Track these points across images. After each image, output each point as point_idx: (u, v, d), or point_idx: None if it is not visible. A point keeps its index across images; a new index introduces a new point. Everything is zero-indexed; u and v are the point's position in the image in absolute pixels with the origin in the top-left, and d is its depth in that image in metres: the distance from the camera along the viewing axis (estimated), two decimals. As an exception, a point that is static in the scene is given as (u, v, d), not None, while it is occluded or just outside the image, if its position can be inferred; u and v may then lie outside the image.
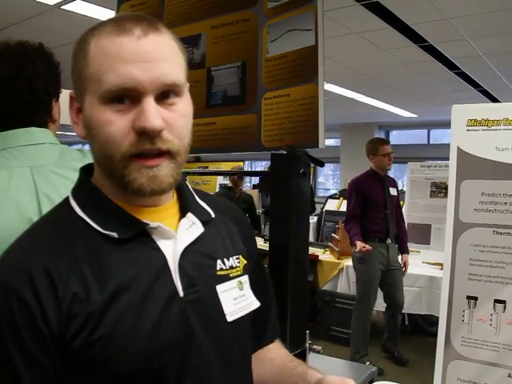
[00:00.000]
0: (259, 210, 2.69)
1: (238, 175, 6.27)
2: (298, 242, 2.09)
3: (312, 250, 5.60)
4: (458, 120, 1.54)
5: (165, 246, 0.84)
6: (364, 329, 4.38)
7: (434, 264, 4.90)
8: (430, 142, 12.65)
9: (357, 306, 4.46)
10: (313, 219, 8.64)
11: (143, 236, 0.83)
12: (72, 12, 4.44)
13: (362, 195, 4.37)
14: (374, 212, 4.33)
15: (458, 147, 1.52)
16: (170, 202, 0.91)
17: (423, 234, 5.26)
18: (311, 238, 8.21)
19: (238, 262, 0.95)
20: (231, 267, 0.93)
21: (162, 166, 0.80)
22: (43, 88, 1.40)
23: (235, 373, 0.91)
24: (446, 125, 10.80)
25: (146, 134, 0.77)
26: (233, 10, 2.29)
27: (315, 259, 5.39)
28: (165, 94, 0.80)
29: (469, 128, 1.51)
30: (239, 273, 0.94)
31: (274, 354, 1.10)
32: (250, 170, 11.97)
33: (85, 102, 0.81)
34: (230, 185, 6.49)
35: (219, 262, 0.91)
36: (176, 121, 0.81)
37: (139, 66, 0.77)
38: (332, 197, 8.63)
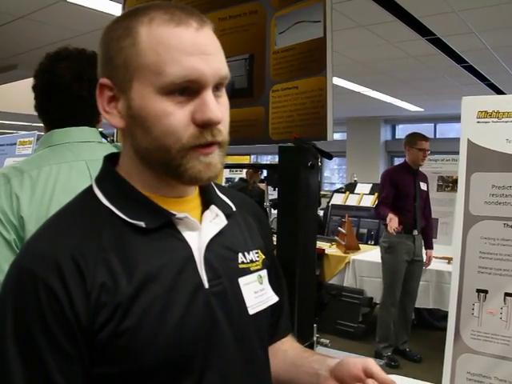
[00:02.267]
0: (266, 203, 2.69)
1: (254, 171, 6.31)
2: (305, 236, 2.09)
3: (318, 244, 5.59)
4: (467, 112, 1.52)
5: (190, 237, 0.85)
6: (388, 318, 4.47)
7: (441, 258, 4.89)
8: (437, 137, 12.60)
9: (383, 295, 4.55)
10: (319, 213, 8.65)
11: (169, 226, 0.83)
12: (78, 5, 4.42)
13: (394, 186, 4.46)
14: (404, 204, 4.42)
15: (468, 139, 1.50)
16: (194, 194, 0.91)
17: (430, 228, 5.24)
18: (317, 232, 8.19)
19: (258, 257, 0.96)
20: (251, 261, 0.93)
21: (214, 153, 0.82)
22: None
23: (256, 366, 0.92)
24: (453, 119, 10.89)
25: (208, 126, 0.79)
26: (240, 2, 2.28)
27: (321, 253, 5.40)
28: (217, 87, 0.81)
29: (479, 120, 1.49)
30: (259, 267, 0.95)
31: (287, 346, 1.11)
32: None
33: (132, 92, 0.79)
34: (245, 178, 6.62)
35: (240, 255, 0.92)
36: (224, 113, 0.83)
37: (201, 58, 0.78)
38: (338, 191, 8.62)
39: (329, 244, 5.85)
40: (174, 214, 0.83)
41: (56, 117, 1.51)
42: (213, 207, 0.91)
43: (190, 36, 0.78)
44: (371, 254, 5.37)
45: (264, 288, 0.95)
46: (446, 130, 12.45)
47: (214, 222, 0.89)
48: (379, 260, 4.65)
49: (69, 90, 1.47)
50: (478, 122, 1.50)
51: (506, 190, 1.44)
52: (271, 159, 13.81)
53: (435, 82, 7.74)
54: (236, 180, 7.87)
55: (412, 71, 7.07)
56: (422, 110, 10.94)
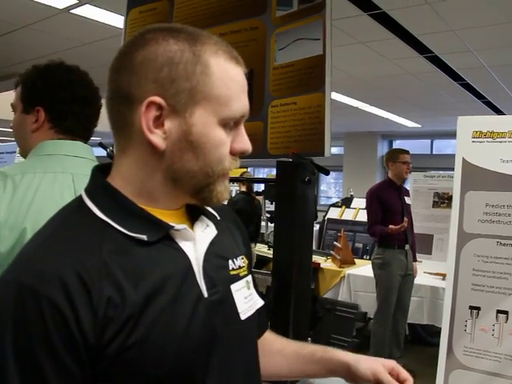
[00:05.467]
0: (263, 217, 2.71)
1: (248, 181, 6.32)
2: (301, 250, 2.10)
3: (314, 258, 5.55)
4: (463, 131, 1.55)
5: (186, 247, 0.86)
6: (384, 334, 4.49)
7: (435, 274, 4.91)
8: (433, 153, 12.65)
9: (377, 311, 4.55)
10: (315, 227, 8.65)
11: (167, 238, 0.85)
12: (81, 16, 4.46)
13: (381, 203, 4.49)
14: (392, 220, 4.42)
15: (463, 158, 1.53)
16: (183, 207, 0.93)
17: (425, 244, 5.26)
18: (313, 246, 8.19)
19: (243, 262, 0.99)
20: (239, 267, 0.96)
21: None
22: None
23: (250, 368, 0.96)
24: (450, 135, 10.94)
25: (238, 155, 0.88)
26: (241, 18, 2.31)
27: (317, 267, 5.38)
28: None
29: (474, 140, 1.52)
30: (246, 272, 0.98)
31: (279, 345, 1.16)
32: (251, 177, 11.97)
33: (193, 118, 0.82)
34: (245, 190, 6.59)
35: (230, 262, 0.94)
36: None
37: (246, 96, 0.87)
38: (334, 205, 8.64)
39: (324, 258, 5.84)
40: (173, 226, 0.84)
41: (71, 128, 1.52)
42: (203, 218, 0.94)
43: (243, 76, 0.87)
44: (366, 268, 5.35)
45: (251, 293, 0.98)
46: (442, 147, 12.52)
47: (206, 232, 0.92)
48: (374, 275, 4.65)
49: (91, 107, 1.53)
50: (473, 142, 1.52)
51: (500, 209, 1.46)
52: (268, 172, 13.84)
53: (432, 98, 7.79)
54: (233, 193, 7.88)
55: (410, 88, 7.12)
56: (419, 126, 10.98)
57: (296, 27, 2.12)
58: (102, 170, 0.90)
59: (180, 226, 0.85)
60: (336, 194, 14.21)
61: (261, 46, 2.25)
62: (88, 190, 0.88)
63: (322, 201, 13.71)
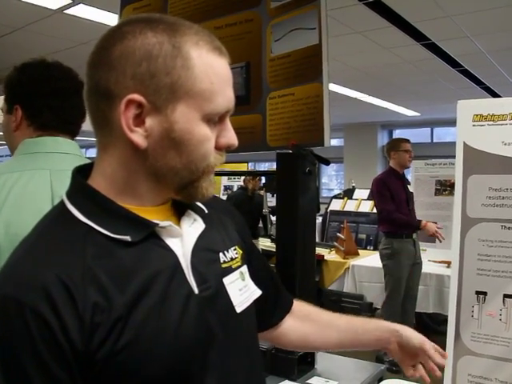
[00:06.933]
0: (265, 210, 2.69)
1: (251, 177, 6.32)
2: (304, 242, 2.09)
3: (317, 250, 5.57)
4: (463, 115, 1.53)
5: (173, 244, 0.84)
6: None
7: (440, 262, 4.89)
8: (434, 141, 12.62)
9: (386, 301, 4.54)
10: (317, 219, 8.65)
11: (152, 236, 0.82)
12: (75, 16, 4.44)
13: (388, 191, 4.49)
14: (399, 209, 4.44)
15: (464, 143, 1.51)
16: (170, 201, 0.91)
17: (429, 232, 5.24)
18: (316, 239, 8.20)
19: (236, 253, 0.96)
20: (232, 259, 0.94)
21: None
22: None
23: (250, 361, 0.94)
24: (449, 123, 10.90)
25: (225, 150, 0.85)
26: (236, 11, 2.29)
27: (321, 259, 5.38)
28: None
29: (474, 123, 1.50)
30: (239, 263, 0.96)
31: (327, 317, 1.22)
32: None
33: (175, 114, 0.78)
34: (243, 186, 6.64)
35: (221, 254, 0.92)
36: None
37: (232, 89, 0.84)
38: (336, 197, 8.63)
39: (328, 250, 5.83)
40: (157, 224, 0.82)
41: (49, 122, 1.48)
42: (189, 212, 0.91)
43: (228, 68, 0.84)
44: (371, 259, 5.36)
45: (247, 284, 0.96)
46: (442, 134, 12.49)
47: (193, 226, 0.89)
48: (379, 265, 4.63)
49: (70, 101, 1.47)
50: (474, 126, 1.51)
51: (503, 192, 1.45)
52: (268, 166, 13.82)
53: (431, 86, 7.77)
54: (234, 187, 7.88)
55: (408, 76, 7.10)
56: (419, 114, 10.97)
57: (291, 17, 2.10)
58: (83, 171, 0.87)
59: (165, 222, 0.83)
60: (338, 186, 14.20)
61: (257, 38, 2.23)
62: (69, 194, 0.85)
63: (324, 193, 13.69)
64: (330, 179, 14.98)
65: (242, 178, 7.14)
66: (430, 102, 9.36)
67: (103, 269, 0.76)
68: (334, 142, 13.69)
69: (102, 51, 0.81)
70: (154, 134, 0.79)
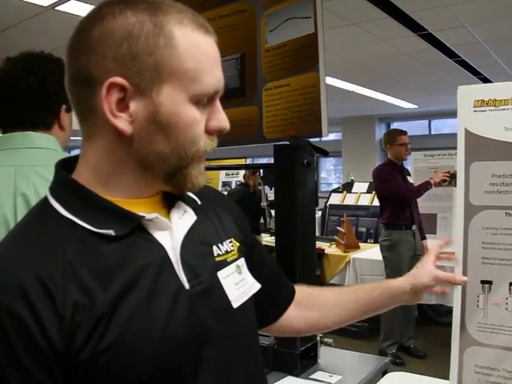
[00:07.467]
0: (263, 203, 2.65)
1: (251, 173, 6.29)
2: (304, 234, 2.06)
3: (318, 244, 5.57)
4: (464, 101, 1.49)
5: (162, 237, 0.80)
6: (394, 317, 4.44)
7: (441, 253, 4.86)
8: (432, 133, 12.59)
9: None
10: (317, 214, 8.63)
11: (139, 230, 0.78)
12: (67, 13, 4.38)
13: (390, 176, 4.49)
14: (398, 202, 4.43)
15: (466, 129, 1.47)
16: (160, 193, 0.87)
17: (429, 224, 5.20)
18: (316, 233, 8.20)
19: (232, 246, 0.92)
20: (227, 252, 0.90)
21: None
22: (53, 86, 1.44)
23: (248, 357, 0.90)
24: (447, 114, 10.88)
25: (216, 134, 0.82)
26: (229, 2, 2.26)
27: (321, 253, 5.37)
28: None
29: (476, 109, 1.47)
30: (235, 256, 0.92)
31: (332, 297, 1.19)
32: (252, 167, 11.94)
33: (160, 96, 0.75)
34: (244, 182, 6.60)
35: (215, 247, 0.88)
36: None
37: (220, 68, 0.81)
38: (335, 190, 8.60)
39: (328, 244, 5.83)
40: (143, 216, 0.78)
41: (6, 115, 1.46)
42: (180, 203, 0.87)
43: (215, 47, 0.80)
44: (371, 252, 5.35)
45: (244, 278, 0.92)
46: (440, 126, 12.45)
47: (184, 218, 0.85)
48: (380, 258, 4.63)
49: (16, 81, 1.42)
50: (475, 111, 1.47)
51: (507, 179, 1.41)
52: (267, 161, 13.77)
53: (428, 77, 7.73)
54: (233, 184, 7.84)
55: (405, 68, 7.06)
56: (416, 106, 10.93)
57: (286, 7, 2.07)
58: (67, 164, 0.83)
59: (151, 215, 0.79)
60: (336, 181, 14.16)
61: (251, 29, 2.20)
62: (52, 188, 0.82)
63: (323, 187, 13.66)
64: (329, 174, 14.95)
65: (242, 174, 7.09)
66: (427, 94, 9.32)
67: (85, 265, 0.72)
68: (332, 136, 13.65)
69: (81, 35, 0.77)
70: (139, 118, 0.75)
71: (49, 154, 1.39)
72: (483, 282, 1.42)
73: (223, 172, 8.00)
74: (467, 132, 1.48)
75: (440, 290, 1.24)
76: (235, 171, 7.74)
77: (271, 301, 1.11)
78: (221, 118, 0.81)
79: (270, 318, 1.13)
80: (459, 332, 1.42)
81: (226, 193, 7.44)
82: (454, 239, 1.52)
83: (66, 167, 0.83)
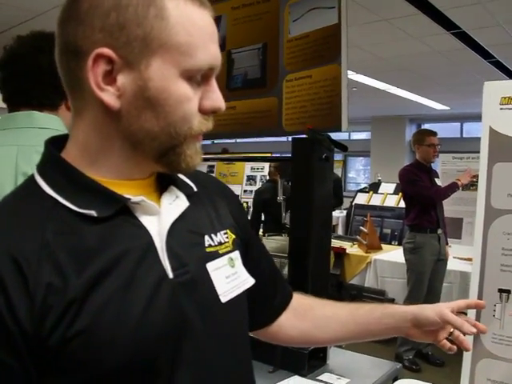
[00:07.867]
0: (280, 198, 2.60)
1: (275, 168, 6.23)
2: (319, 231, 2.00)
3: (340, 244, 5.54)
4: (490, 98, 1.42)
5: (149, 222, 0.76)
6: None
7: (465, 259, 4.75)
8: (464, 136, 12.36)
9: (407, 297, 4.43)
10: (342, 213, 8.55)
11: (124, 213, 0.74)
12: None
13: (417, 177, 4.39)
14: (424, 202, 4.33)
15: (490, 127, 1.40)
16: (153, 176, 0.83)
17: (454, 228, 5.10)
18: (340, 232, 8.12)
19: (227, 238, 0.88)
20: (220, 243, 0.85)
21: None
22: None
23: (233, 356, 0.85)
24: (480, 117, 10.62)
25: (212, 114, 0.78)
26: (253, -10, 2.21)
27: (343, 252, 5.32)
28: None
29: (502, 106, 1.39)
30: (229, 249, 0.87)
31: (330, 310, 1.11)
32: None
33: (149, 70, 0.71)
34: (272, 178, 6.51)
35: (207, 237, 0.83)
36: None
37: (217, 45, 0.77)
38: (362, 190, 8.49)
39: (350, 243, 5.76)
40: (129, 199, 0.74)
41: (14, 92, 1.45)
42: (172, 188, 0.83)
43: (211, 21, 0.76)
44: (394, 254, 5.26)
45: (237, 271, 0.87)
46: (473, 130, 12.21)
47: (175, 204, 0.81)
48: (402, 260, 4.55)
49: (28, 59, 1.40)
50: (501, 109, 1.39)
51: (532, 182, 1.33)
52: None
53: (461, 78, 7.58)
54: (257, 178, 7.77)
55: (437, 67, 6.92)
56: (448, 108, 10.74)
57: (310, -4, 2.00)
58: (57, 142, 0.80)
59: (137, 198, 0.74)
60: (365, 181, 14.04)
61: (274, 19, 2.15)
62: (39, 166, 0.79)
63: (352, 187, 13.53)
64: (358, 174, 14.83)
65: (267, 170, 7.02)
66: (460, 96, 9.14)
67: (63, 246, 0.69)
68: (362, 136, 13.54)
69: (71, 5, 0.74)
70: (127, 93, 0.72)
71: (51, 134, 1.37)
72: (501, 291, 1.34)
73: (248, 166, 7.95)
74: (492, 130, 1.40)
75: (447, 346, 1.07)
76: (260, 165, 7.67)
77: (264, 302, 1.05)
78: (215, 98, 0.77)
79: (260, 321, 1.07)
80: (472, 343, 1.35)
81: (251, 188, 7.42)
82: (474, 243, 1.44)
83: (56, 145, 0.80)
